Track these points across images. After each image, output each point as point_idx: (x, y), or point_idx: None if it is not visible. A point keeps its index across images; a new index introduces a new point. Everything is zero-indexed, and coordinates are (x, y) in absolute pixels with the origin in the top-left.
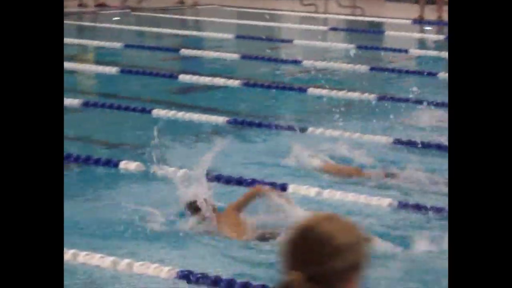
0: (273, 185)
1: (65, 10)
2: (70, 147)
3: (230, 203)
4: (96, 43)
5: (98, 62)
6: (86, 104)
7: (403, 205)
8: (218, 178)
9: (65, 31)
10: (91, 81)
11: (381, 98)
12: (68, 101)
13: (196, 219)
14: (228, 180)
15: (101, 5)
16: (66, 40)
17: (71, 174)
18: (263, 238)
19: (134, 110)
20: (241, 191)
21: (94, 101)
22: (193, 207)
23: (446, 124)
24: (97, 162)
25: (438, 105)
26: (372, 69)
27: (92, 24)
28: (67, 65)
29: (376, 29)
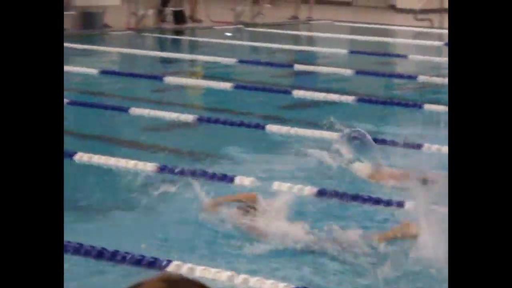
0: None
1: (182, 26)
2: (182, 162)
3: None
4: (209, 58)
5: (211, 78)
6: (200, 119)
7: None
8: (334, 195)
9: (180, 47)
10: (205, 96)
11: None
12: (183, 116)
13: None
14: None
15: (217, 22)
16: (180, 55)
17: (186, 187)
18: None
19: (248, 125)
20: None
21: (208, 116)
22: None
23: None
24: (212, 177)
25: None
26: None
27: (206, 39)
28: (181, 80)
29: None
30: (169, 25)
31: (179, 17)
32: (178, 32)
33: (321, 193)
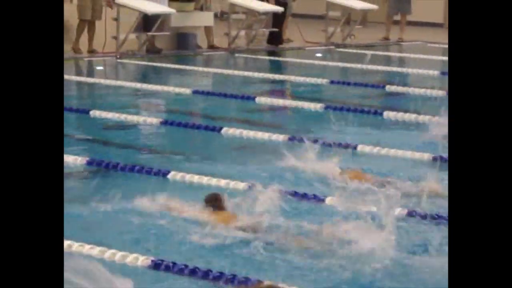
0: None
1: (274, 46)
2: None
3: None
4: (301, 79)
5: (302, 98)
6: (291, 139)
7: None
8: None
9: (271, 67)
10: (295, 117)
11: None
12: (274, 136)
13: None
14: None
15: (309, 43)
16: (271, 76)
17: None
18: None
19: (339, 145)
20: None
21: (299, 137)
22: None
23: None
24: (303, 196)
25: None
26: None
27: (297, 60)
28: (272, 101)
29: None
30: (261, 45)
31: (274, 38)
32: (270, 53)
33: None
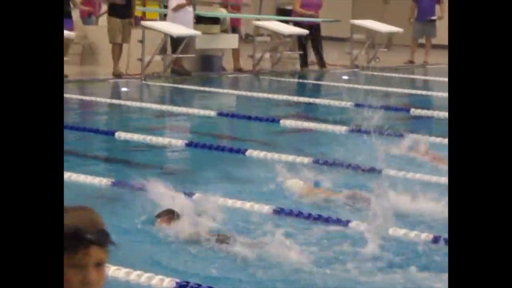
0: None
1: (301, 69)
2: (300, 206)
3: None
4: (325, 101)
5: (327, 121)
6: (316, 162)
7: None
8: None
9: (296, 89)
10: (320, 139)
11: None
12: (298, 159)
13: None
14: None
15: (334, 65)
16: (296, 98)
17: (302, 230)
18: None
19: (363, 170)
20: None
21: (323, 160)
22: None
23: None
24: (327, 220)
25: None
26: None
27: (322, 82)
28: (297, 123)
29: None
30: (285, 67)
31: (301, 60)
32: (294, 75)
33: None
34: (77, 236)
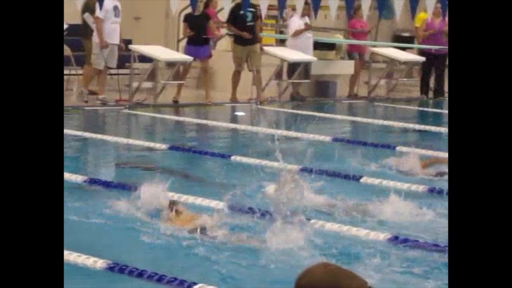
0: None
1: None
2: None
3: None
4: (441, 129)
5: (442, 149)
6: (430, 190)
7: None
8: None
9: (413, 117)
10: (435, 167)
11: None
12: (413, 187)
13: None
14: None
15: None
16: (409, 125)
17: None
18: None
19: None
20: None
21: (439, 188)
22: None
23: None
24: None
25: None
26: None
27: (439, 110)
28: (413, 150)
29: None
30: (400, 94)
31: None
32: (409, 101)
33: None
34: None
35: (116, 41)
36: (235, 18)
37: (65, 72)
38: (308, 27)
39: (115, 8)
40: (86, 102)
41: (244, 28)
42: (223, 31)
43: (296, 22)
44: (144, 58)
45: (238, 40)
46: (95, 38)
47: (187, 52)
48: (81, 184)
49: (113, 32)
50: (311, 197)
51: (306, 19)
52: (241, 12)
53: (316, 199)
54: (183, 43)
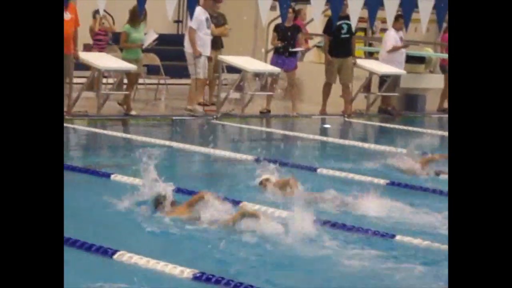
0: None
1: None
2: None
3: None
4: None
5: None
6: None
7: None
8: None
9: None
10: None
11: None
12: None
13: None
14: None
15: None
16: None
17: None
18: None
19: None
20: None
21: None
22: (156, 202)
23: None
24: None
25: None
26: None
27: None
28: None
29: None
30: None
31: None
32: None
33: None
34: None
35: (207, 53)
36: (331, 30)
37: (154, 81)
38: (405, 45)
39: (207, 20)
40: (195, 116)
41: (339, 40)
42: (311, 43)
43: (392, 36)
44: (232, 69)
45: (333, 52)
46: (186, 49)
47: (274, 62)
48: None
49: (205, 44)
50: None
51: (401, 34)
52: (338, 23)
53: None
54: (271, 54)
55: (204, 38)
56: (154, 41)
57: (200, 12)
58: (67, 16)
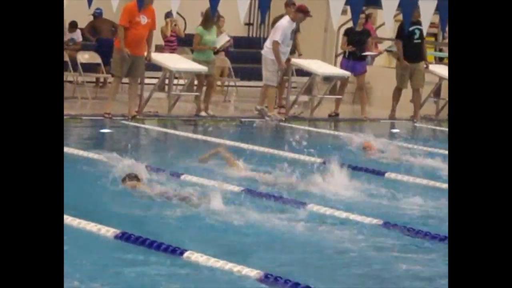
0: None
1: None
2: None
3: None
4: None
5: None
6: None
7: None
8: None
9: None
10: None
11: None
12: None
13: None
14: None
15: None
16: None
17: None
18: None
19: None
20: None
21: None
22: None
23: None
24: None
25: None
26: None
27: None
28: None
29: None
30: None
31: None
32: None
33: None
34: None
35: (284, 65)
36: (403, 35)
37: (226, 83)
38: None
39: (292, 31)
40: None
41: (411, 45)
42: (381, 47)
43: None
44: (300, 72)
45: (405, 57)
46: (267, 54)
47: (343, 66)
48: (237, 193)
49: (284, 56)
50: None
51: None
52: (410, 29)
53: None
54: (341, 57)
55: (284, 50)
56: (226, 42)
57: (287, 26)
58: (144, 20)
